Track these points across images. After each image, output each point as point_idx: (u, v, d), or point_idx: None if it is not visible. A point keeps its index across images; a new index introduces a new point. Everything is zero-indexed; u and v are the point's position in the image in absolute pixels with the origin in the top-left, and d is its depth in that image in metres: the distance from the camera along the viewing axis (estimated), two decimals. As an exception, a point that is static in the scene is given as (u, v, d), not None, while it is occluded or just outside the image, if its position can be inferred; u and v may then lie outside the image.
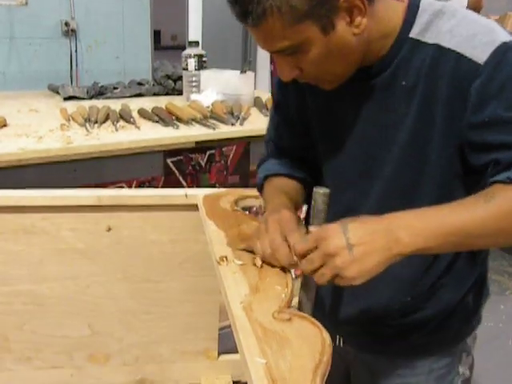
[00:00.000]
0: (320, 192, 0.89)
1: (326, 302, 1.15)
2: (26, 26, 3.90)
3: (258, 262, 0.97)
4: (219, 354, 1.56)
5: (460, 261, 1.04)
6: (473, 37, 0.90)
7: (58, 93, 3.04)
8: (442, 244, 0.83)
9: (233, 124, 2.47)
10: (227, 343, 1.44)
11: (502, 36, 0.89)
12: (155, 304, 1.46)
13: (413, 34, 0.94)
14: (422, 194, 0.97)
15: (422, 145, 0.95)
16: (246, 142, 2.46)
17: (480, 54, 0.88)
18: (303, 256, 0.88)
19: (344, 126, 1.03)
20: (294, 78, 0.96)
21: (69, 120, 2.41)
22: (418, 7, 0.95)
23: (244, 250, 1.03)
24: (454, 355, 1.14)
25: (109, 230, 1.38)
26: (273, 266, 0.96)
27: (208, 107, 2.63)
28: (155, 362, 1.51)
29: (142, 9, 4.32)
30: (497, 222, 0.82)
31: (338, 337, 1.18)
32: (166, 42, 7.37)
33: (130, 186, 2.26)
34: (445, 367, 1.13)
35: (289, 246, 0.93)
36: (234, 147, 2.49)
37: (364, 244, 0.83)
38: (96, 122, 2.37)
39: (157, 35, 5.57)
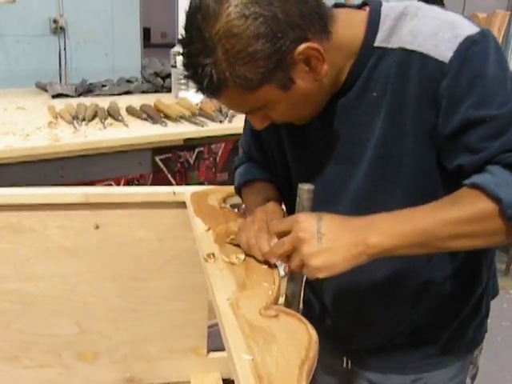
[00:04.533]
0: (305, 188, 0.89)
1: (334, 323, 1.14)
2: (14, 24, 3.87)
3: (240, 257, 0.97)
4: (208, 351, 1.55)
5: (464, 269, 1.02)
6: (434, 35, 0.85)
7: (46, 90, 3.03)
8: (408, 245, 0.82)
9: (221, 121, 2.47)
10: (216, 341, 1.43)
11: (465, 30, 0.85)
12: (143, 302, 1.45)
13: (377, 43, 0.91)
14: (393, 206, 0.91)
15: (393, 156, 0.92)
16: (234, 140, 2.46)
17: (444, 51, 0.84)
18: (279, 238, 0.89)
19: (316, 148, 1.02)
20: None
21: (56, 118, 2.40)
22: (379, 14, 0.91)
23: (230, 243, 1.03)
24: (464, 368, 1.12)
25: (96, 227, 1.38)
26: (259, 262, 0.96)
27: (197, 105, 2.63)
28: (144, 360, 1.51)
29: (132, 6, 4.30)
30: (461, 226, 0.80)
31: (345, 359, 1.17)
32: (156, 40, 7.35)
33: (118, 184, 2.26)
34: (459, 381, 1.11)
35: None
36: (223, 145, 2.49)
37: (333, 236, 0.83)
38: (84, 119, 2.36)
39: (146, 32, 5.55)
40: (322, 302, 1.15)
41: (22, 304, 1.40)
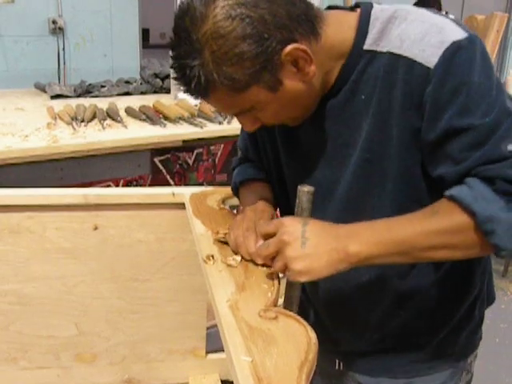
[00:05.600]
0: (304, 190, 0.88)
1: (325, 326, 1.14)
2: (13, 24, 3.87)
3: (237, 258, 0.97)
4: (207, 352, 1.55)
5: (454, 275, 1.02)
6: (421, 39, 0.85)
7: (44, 91, 3.02)
8: (387, 254, 0.83)
9: (220, 123, 2.47)
10: (215, 342, 1.44)
11: (452, 34, 0.84)
12: (142, 303, 1.45)
13: (367, 46, 0.91)
14: (381, 210, 0.93)
15: (378, 159, 0.92)
16: (233, 141, 2.46)
17: (430, 57, 0.83)
18: (264, 240, 0.91)
19: (307, 149, 1.02)
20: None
21: (55, 119, 2.40)
22: (369, 17, 0.91)
23: (219, 240, 1.04)
24: (456, 374, 1.11)
25: (95, 228, 1.38)
26: (255, 263, 0.95)
27: (196, 106, 2.63)
28: (142, 361, 1.51)
29: (131, 6, 4.30)
30: (439, 237, 0.81)
31: (337, 361, 1.17)
32: (155, 40, 7.35)
33: (117, 185, 2.26)
34: None
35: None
36: (222, 146, 2.50)
37: (317, 242, 0.84)
38: (83, 120, 2.36)
39: (145, 33, 5.55)
40: (314, 305, 1.16)
41: (20, 305, 1.40)
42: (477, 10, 4.19)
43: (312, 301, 1.16)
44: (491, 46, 3.03)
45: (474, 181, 0.80)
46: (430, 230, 0.81)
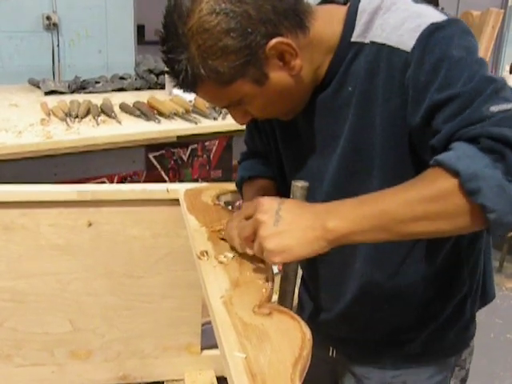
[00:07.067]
0: (298, 186, 0.88)
1: (319, 312, 1.14)
2: (7, 20, 3.85)
3: (229, 255, 0.97)
4: (202, 349, 1.55)
5: (442, 272, 1.02)
6: (400, 25, 0.85)
7: (38, 87, 3.01)
8: (368, 229, 0.78)
9: (215, 118, 2.47)
10: (210, 338, 1.43)
11: (431, 18, 0.83)
12: (137, 299, 1.45)
13: (354, 38, 0.91)
14: None
15: (363, 149, 0.92)
16: (228, 137, 2.46)
17: (407, 41, 0.83)
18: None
19: (302, 142, 1.03)
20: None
21: (49, 115, 2.39)
22: (357, 9, 0.92)
23: (221, 238, 1.03)
24: (447, 370, 1.11)
25: (89, 225, 1.37)
26: (253, 259, 0.95)
27: (190, 101, 2.63)
28: (137, 357, 1.50)
29: (126, 2, 4.29)
30: (420, 206, 0.75)
31: (331, 348, 1.18)
32: (150, 37, 7.33)
33: (111, 181, 2.25)
34: (437, 382, 1.11)
35: None
36: (217, 142, 2.49)
37: (291, 219, 0.81)
38: (77, 116, 2.35)
39: (141, 30, 5.53)
40: (312, 297, 1.17)
41: (14, 302, 1.39)
42: (472, 6, 4.19)
43: (310, 286, 1.17)
44: (487, 42, 3.03)
45: (458, 143, 0.76)
46: (410, 198, 0.75)
